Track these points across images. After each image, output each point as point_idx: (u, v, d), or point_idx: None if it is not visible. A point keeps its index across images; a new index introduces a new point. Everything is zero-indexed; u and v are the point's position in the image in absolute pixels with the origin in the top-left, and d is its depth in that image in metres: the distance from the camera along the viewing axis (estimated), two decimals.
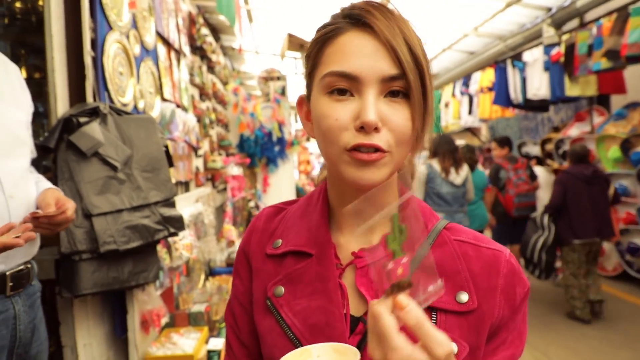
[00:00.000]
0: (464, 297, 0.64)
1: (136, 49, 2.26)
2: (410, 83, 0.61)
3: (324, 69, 0.64)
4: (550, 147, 6.42)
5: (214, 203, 3.73)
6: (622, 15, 4.45)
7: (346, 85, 0.62)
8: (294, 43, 4.55)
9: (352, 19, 0.64)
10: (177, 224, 1.87)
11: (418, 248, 0.56)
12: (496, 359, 0.66)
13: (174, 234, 1.85)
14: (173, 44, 2.88)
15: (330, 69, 0.63)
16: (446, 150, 3.99)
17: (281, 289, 0.72)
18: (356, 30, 0.63)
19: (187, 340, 2.08)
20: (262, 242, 0.80)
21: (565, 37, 4.74)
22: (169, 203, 1.88)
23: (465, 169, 4.11)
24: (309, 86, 0.70)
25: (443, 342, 0.50)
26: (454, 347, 0.61)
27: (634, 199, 5.10)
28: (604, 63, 4.69)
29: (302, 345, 0.64)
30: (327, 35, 0.66)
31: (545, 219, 4.42)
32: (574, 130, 6.06)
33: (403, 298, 0.52)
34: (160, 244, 1.95)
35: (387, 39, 0.61)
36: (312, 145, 12.50)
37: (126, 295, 1.90)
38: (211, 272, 3.28)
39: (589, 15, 4.55)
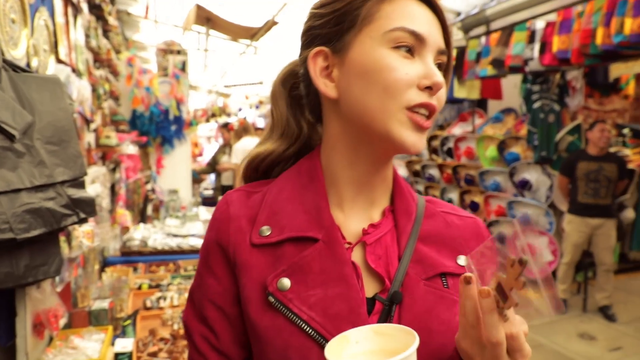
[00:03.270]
0: (462, 260, 0.69)
1: None
2: (449, 59, 0.67)
3: (389, 24, 0.63)
4: (436, 143, 6.94)
5: (108, 184, 3.31)
6: (507, 29, 4.95)
7: (412, 44, 0.63)
8: (201, 16, 4.22)
9: None
10: (88, 208, 1.57)
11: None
12: None
13: (84, 220, 1.56)
14: None
15: (401, 25, 0.62)
16: None
17: (287, 282, 0.63)
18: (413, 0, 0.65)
19: (90, 342, 1.80)
20: (244, 231, 0.68)
21: (472, 42, 5.19)
22: (78, 183, 1.58)
23: None
24: (340, 39, 0.66)
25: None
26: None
27: (505, 194, 5.76)
28: (490, 70, 5.19)
29: (325, 340, 0.59)
30: None
31: None
32: (458, 130, 6.64)
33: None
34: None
35: (441, 15, 0.66)
36: (202, 128, 11.91)
37: (16, 293, 1.56)
38: (105, 263, 2.90)
39: (495, 25, 5.02)
